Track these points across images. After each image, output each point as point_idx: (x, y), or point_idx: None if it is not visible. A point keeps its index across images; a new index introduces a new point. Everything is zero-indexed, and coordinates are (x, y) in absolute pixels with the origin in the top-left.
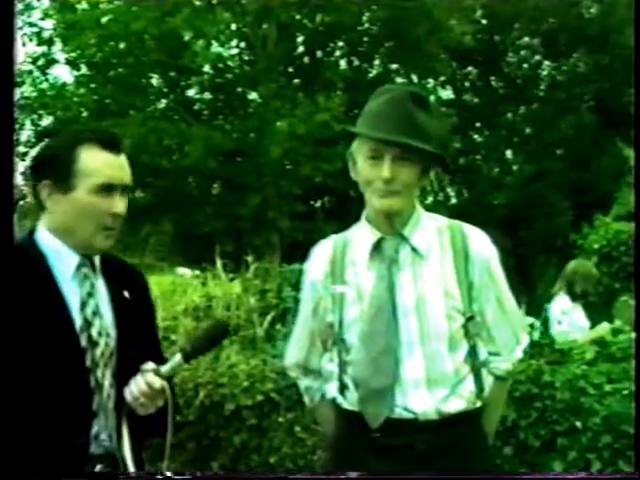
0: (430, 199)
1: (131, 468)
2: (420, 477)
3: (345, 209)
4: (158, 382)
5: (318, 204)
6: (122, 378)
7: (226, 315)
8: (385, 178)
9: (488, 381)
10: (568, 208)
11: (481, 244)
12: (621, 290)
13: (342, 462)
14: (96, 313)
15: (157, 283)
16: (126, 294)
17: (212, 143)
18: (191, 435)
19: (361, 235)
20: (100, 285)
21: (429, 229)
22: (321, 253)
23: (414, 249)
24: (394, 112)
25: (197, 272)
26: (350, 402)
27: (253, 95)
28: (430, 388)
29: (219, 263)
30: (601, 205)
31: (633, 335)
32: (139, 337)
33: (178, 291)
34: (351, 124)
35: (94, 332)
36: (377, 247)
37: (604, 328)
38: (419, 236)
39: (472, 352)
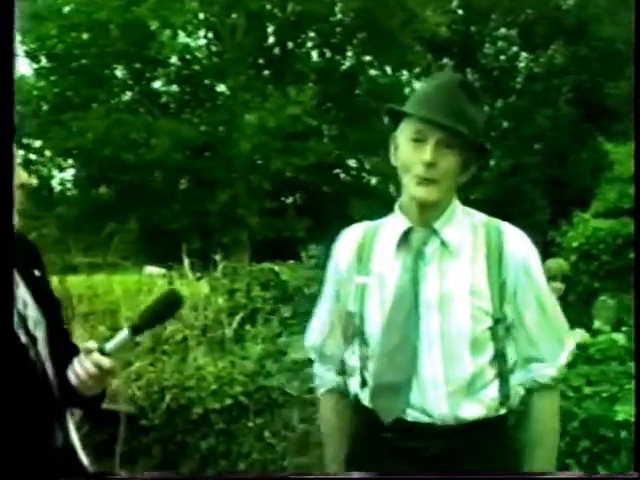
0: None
1: (83, 458)
2: (420, 477)
3: (318, 205)
4: (107, 361)
5: (289, 200)
6: (60, 363)
7: (194, 316)
8: (426, 161)
9: (516, 389)
10: (546, 204)
11: (518, 243)
12: (600, 289)
13: (357, 461)
14: (26, 304)
15: (121, 282)
16: (36, 272)
17: (179, 137)
18: (157, 440)
19: (392, 224)
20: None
21: (463, 225)
22: (350, 236)
23: (444, 243)
24: (442, 96)
25: (163, 271)
26: (367, 398)
27: (221, 87)
28: (448, 390)
29: (186, 262)
30: (580, 201)
31: (613, 336)
32: (59, 317)
33: (143, 291)
34: (322, 117)
35: (30, 325)
36: (405, 237)
37: (580, 334)
38: (451, 231)
39: (499, 357)
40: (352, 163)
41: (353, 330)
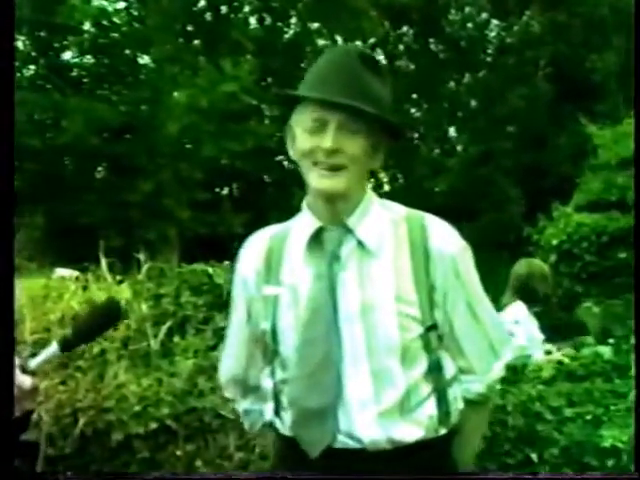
0: (386, 188)
1: None
2: (417, 477)
3: (257, 197)
4: (28, 382)
5: (224, 191)
6: None
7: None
8: (327, 148)
9: (456, 405)
10: (521, 196)
11: (444, 239)
12: (584, 294)
13: None
14: None
15: (26, 288)
16: None
17: (95, 117)
18: (69, 471)
19: (300, 225)
20: None
21: (381, 220)
22: (255, 244)
23: (360, 243)
24: (339, 72)
25: (76, 273)
26: (286, 426)
27: (144, 59)
28: (380, 411)
29: (104, 262)
30: (560, 192)
31: (598, 349)
32: None
33: (52, 297)
34: (262, 95)
35: None
36: (316, 239)
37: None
38: (367, 227)
39: (434, 369)
40: None
41: (269, 351)
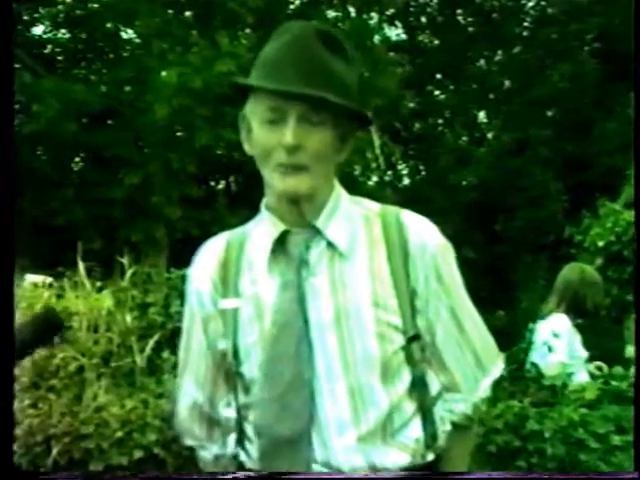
0: (374, 179)
1: None
2: (415, 476)
3: (258, 193)
4: None
5: (220, 186)
6: None
7: (93, 338)
8: (288, 145)
9: (444, 426)
10: (562, 191)
11: (425, 236)
12: (635, 304)
13: None
14: None
15: None
16: None
17: (71, 101)
18: None
19: (260, 229)
20: None
21: (353, 218)
22: (209, 254)
23: (331, 245)
24: (296, 55)
25: (50, 279)
26: (253, 459)
27: (128, 33)
28: (360, 434)
29: (81, 266)
30: (607, 187)
31: None
32: None
33: (22, 307)
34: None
35: None
36: (281, 244)
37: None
38: (338, 227)
39: (418, 385)
40: None
41: (231, 375)
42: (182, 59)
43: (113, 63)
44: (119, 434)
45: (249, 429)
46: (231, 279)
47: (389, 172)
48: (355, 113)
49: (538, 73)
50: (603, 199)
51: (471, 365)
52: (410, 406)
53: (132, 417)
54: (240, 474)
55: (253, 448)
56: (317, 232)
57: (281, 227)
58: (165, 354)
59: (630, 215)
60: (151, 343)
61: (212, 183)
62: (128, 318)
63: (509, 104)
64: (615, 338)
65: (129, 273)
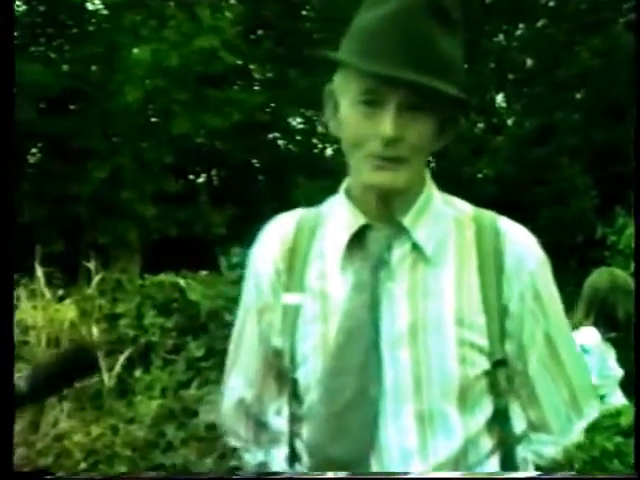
0: None
1: None
2: (418, 477)
3: (244, 188)
4: None
5: (201, 179)
6: None
7: (53, 354)
8: (387, 137)
9: (526, 469)
10: (592, 185)
11: (525, 249)
12: None
13: None
14: None
15: None
16: None
17: (28, 82)
18: None
19: (338, 217)
20: None
21: (443, 219)
22: (275, 234)
23: (416, 247)
24: (403, 32)
25: None
26: None
27: (95, 4)
28: (427, 467)
29: (40, 272)
30: None
31: None
32: None
33: None
34: (251, 53)
35: None
36: (358, 238)
37: None
38: (426, 228)
39: (501, 418)
40: (297, 123)
41: (284, 378)
42: (157, 34)
43: (77, 39)
44: (83, 466)
45: (300, 446)
46: (297, 269)
47: None
48: (461, 99)
49: (565, 49)
50: None
51: (566, 402)
52: (488, 442)
53: (98, 446)
54: (241, 474)
55: (302, 470)
56: (402, 231)
57: (362, 220)
58: (137, 372)
59: None
60: (121, 360)
61: (191, 176)
62: (95, 331)
63: (531, 86)
64: None
65: (96, 280)
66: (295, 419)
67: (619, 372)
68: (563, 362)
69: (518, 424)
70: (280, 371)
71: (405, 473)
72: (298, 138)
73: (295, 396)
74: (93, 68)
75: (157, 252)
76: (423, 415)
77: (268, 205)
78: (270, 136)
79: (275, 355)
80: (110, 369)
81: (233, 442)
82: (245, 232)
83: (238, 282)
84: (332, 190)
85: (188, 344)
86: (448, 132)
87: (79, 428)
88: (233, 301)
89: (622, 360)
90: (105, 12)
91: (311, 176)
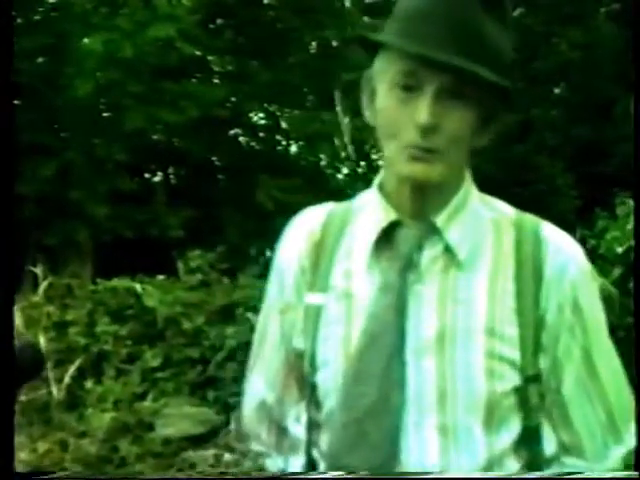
0: (345, 171)
1: None
2: (420, 477)
3: (204, 187)
4: None
5: (157, 178)
6: None
7: None
8: (423, 125)
9: None
10: (572, 185)
11: (568, 258)
12: None
13: None
14: None
15: None
16: None
17: None
18: None
19: (368, 212)
20: None
21: (481, 221)
22: (302, 229)
23: (449, 249)
24: (447, 13)
25: None
26: None
27: None
28: None
29: None
30: (627, 180)
31: None
32: None
33: None
34: (211, 43)
35: None
36: (388, 236)
37: None
38: (461, 229)
39: (530, 438)
40: (260, 119)
41: (305, 382)
42: (109, 22)
43: (22, 28)
44: None
45: (317, 455)
46: (323, 266)
47: (362, 163)
48: (506, 91)
49: (543, 41)
50: (622, 195)
51: (603, 426)
52: (515, 463)
53: (46, 463)
54: (241, 475)
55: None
56: (435, 231)
57: (392, 215)
58: (89, 384)
59: None
60: (71, 371)
61: (147, 175)
62: (42, 340)
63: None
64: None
65: (43, 285)
66: (313, 426)
67: None
68: (601, 381)
69: (549, 446)
70: (302, 374)
71: (413, 474)
72: (261, 135)
73: (314, 402)
74: (40, 60)
75: (110, 255)
76: (446, 429)
77: (229, 206)
78: (231, 132)
79: (297, 357)
80: (59, 380)
81: (255, 447)
82: (204, 234)
83: (197, 287)
84: (298, 189)
85: (144, 353)
86: (491, 127)
87: (25, 444)
88: (192, 307)
89: None
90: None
91: (275, 175)
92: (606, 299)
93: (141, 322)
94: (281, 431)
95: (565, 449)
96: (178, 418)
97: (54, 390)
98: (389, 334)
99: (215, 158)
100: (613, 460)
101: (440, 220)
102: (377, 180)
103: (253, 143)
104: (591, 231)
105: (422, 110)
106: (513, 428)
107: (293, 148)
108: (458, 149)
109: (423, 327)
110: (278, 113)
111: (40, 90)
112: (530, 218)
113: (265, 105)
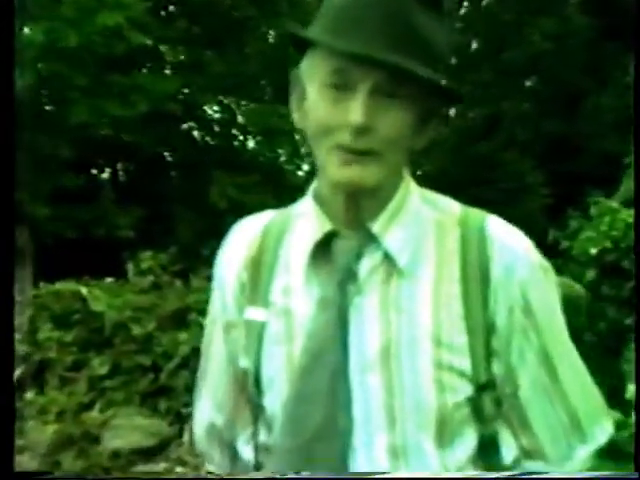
0: (305, 168)
1: None
2: (418, 477)
3: (154, 184)
4: None
5: (105, 175)
6: None
7: None
8: (356, 125)
9: None
10: (543, 183)
11: (516, 254)
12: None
13: None
14: None
15: None
16: None
17: None
18: None
19: (303, 222)
20: None
21: (422, 223)
22: (240, 240)
23: (389, 256)
24: (380, 9)
25: None
26: None
27: None
28: None
29: None
30: (601, 178)
31: None
32: None
33: None
34: (162, 31)
35: None
36: (325, 247)
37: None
38: (400, 234)
39: (488, 449)
40: (214, 112)
41: (253, 402)
42: (52, 10)
43: None
44: None
45: None
46: (262, 281)
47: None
48: (444, 88)
49: (513, 32)
50: (596, 194)
51: (565, 426)
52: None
53: None
54: (239, 476)
55: None
56: (372, 238)
57: (327, 226)
58: (29, 394)
59: (630, 215)
60: (13, 380)
61: (94, 171)
62: None
63: (476, 71)
64: (611, 374)
65: None
66: (263, 450)
67: None
68: (561, 382)
69: (508, 453)
70: (249, 395)
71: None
72: (216, 129)
73: (265, 424)
74: None
75: (54, 257)
76: (396, 449)
77: (181, 204)
78: (184, 126)
79: (245, 377)
80: None
81: (212, 468)
82: (155, 234)
83: (148, 290)
84: (255, 186)
85: (90, 360)
86: (431, 127)
87: None
88: (142, 311)
89: None
90: None
91: (231, 171)
92: (574, 300)
93: (87, 327)
94: (234, 453)
95: (526, 454)
96: (127, 430)
97: None
98: (331, 351)
99: (167, 153)
100: (578, 460)
101: (377, 227)
102: (312, 187)
103: (208, 138)
104: (563, 232)
105: (355, 110)
106: (468, 440)
107: (250, 143)
108: (395, 150)
109: (366, 342)
110: (234, 106)
111: None
112: (475, 213)
113: (220, 98)
